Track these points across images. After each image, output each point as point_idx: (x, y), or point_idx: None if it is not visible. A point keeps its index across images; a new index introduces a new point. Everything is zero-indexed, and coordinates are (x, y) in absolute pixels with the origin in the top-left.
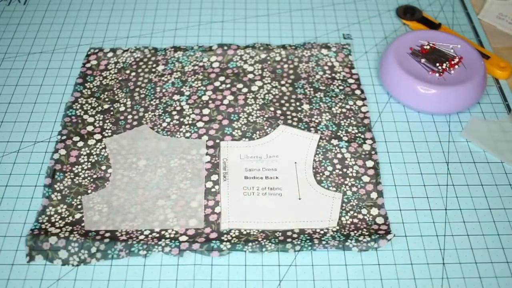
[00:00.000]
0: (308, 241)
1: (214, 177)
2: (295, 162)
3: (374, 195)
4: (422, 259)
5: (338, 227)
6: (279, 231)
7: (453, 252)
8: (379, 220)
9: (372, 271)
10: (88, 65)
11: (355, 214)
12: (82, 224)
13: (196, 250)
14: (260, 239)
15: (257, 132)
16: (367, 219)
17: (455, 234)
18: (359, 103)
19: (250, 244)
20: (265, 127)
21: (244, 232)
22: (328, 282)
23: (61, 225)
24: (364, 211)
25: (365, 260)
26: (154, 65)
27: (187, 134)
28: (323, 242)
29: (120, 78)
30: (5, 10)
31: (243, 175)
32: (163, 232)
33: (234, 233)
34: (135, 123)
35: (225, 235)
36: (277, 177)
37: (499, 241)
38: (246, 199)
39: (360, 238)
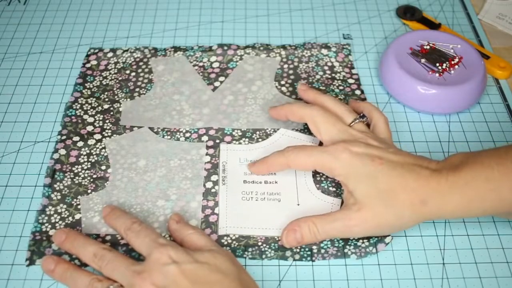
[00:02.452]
0: (307, 249)
1: (214, 178)
2: None
3: None
4: (422, 259)
5: None
6: (278, 236)
7: (453, 252)
8: None
9: (372, 271)
10: (88, 65)
11: None
12: (83, 225)
13: None
14: (260, 243)
15: (257, 132)
16: None
17: (455, 234)
18: None
19: (250, 249)
20: (265, 127)
21: (244, 235)
22: (328, 282)
23: (62, 226)
24: None
25: (365, 260)
26: (154, 65)
27: (187, 134)
28: (322, 251)
29: (120, 78)
30: (5, 10)
31: (242, 180)
32: (163, 234)
33: (234, 235)
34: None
35: (225, 237)
36: (276, 182)
37: (499, 241)
38: (245, 204)
39: (359, 243)
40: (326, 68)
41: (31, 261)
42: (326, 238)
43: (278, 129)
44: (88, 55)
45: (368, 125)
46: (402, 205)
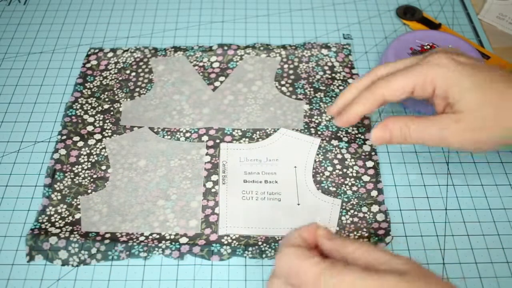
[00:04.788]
0: None
1: (214, 177)
2: (295, 167)
3: (374, 193)
4: (422, 259)
5: (338, 228)
6: (278, 235)
7: (453, 252)
8: (380, 217)
9: None
10: (88, 65)
11: (356, 213)
12: (82, 224)
13: (197, 254)
14: (260, 243)
15: (257, 132)
16: (368, 217)
17: (455, 234)
18: None
19: (250, 249)
20: (265, 127)
21: (244, 234)
22: None
23: (61, 225)
24: (364, 209)
25: None
26: (154, 65)
27: (187, 134)
28: None
29: (120, 78)
30: (5, 10)
31: (242, 179)
32: (163, 233)
33: (234, 235)
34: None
35: (225, 237)
36: (276, 182)
37: (499, 241)
38: (245, 203)
39: None
40: (326, 68)
41: (31, 257)
42: (416, 143)
43: (278, 129)
44: (88, 55)
45: None
46: (508, 119)
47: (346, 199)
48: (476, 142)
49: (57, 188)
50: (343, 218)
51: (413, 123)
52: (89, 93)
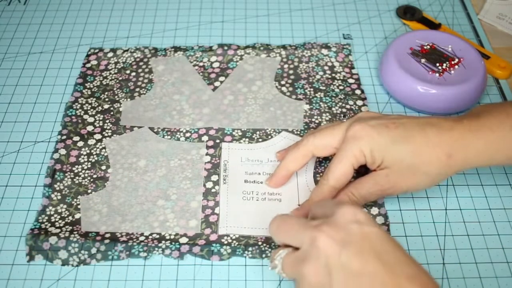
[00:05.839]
0: None
1: (214, 177)
2: None
3: None
4: (422, 259)
5: None
6: None
7: (453, 252)
8: (379, 220)
9: None
10: (88, 65)
11: None
12: (82, 224)
13: (196, 253)
14: (260, 243)
15: (257, 132)
16: None
17: (455, 234)
18: (359, 103)
19: (250, 249)
20: (265, 127)
21: (244, 234)
22: None
23: (61, 225)
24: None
25: None
26: (154, 65)
27: (187, 134)
28: None
29: (120, 78)
30: (5, 10)
31: (243, 179)
32: (163, 233)
33: (234, 235)
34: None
35: (225, 237)
36: None
37: (499, 241)
38: (245, 204)
39: None
40: (326, 68)
41: (31, 257)
42: (366, 202)
43: (279, 130)
44: (88, 55)
45: None
46: (428, 164)
47: None
48: (410, 187)
49: (57, 188)
50: None
51: (355, 189)
52: (89, 93)
